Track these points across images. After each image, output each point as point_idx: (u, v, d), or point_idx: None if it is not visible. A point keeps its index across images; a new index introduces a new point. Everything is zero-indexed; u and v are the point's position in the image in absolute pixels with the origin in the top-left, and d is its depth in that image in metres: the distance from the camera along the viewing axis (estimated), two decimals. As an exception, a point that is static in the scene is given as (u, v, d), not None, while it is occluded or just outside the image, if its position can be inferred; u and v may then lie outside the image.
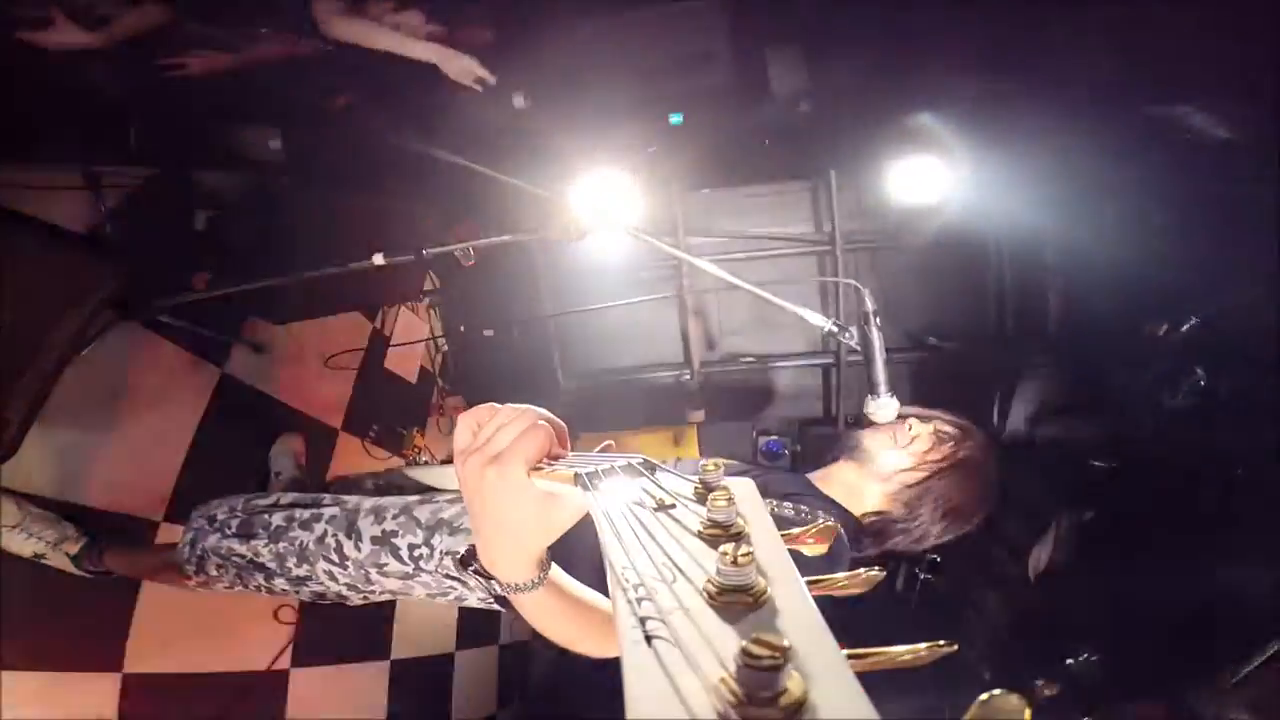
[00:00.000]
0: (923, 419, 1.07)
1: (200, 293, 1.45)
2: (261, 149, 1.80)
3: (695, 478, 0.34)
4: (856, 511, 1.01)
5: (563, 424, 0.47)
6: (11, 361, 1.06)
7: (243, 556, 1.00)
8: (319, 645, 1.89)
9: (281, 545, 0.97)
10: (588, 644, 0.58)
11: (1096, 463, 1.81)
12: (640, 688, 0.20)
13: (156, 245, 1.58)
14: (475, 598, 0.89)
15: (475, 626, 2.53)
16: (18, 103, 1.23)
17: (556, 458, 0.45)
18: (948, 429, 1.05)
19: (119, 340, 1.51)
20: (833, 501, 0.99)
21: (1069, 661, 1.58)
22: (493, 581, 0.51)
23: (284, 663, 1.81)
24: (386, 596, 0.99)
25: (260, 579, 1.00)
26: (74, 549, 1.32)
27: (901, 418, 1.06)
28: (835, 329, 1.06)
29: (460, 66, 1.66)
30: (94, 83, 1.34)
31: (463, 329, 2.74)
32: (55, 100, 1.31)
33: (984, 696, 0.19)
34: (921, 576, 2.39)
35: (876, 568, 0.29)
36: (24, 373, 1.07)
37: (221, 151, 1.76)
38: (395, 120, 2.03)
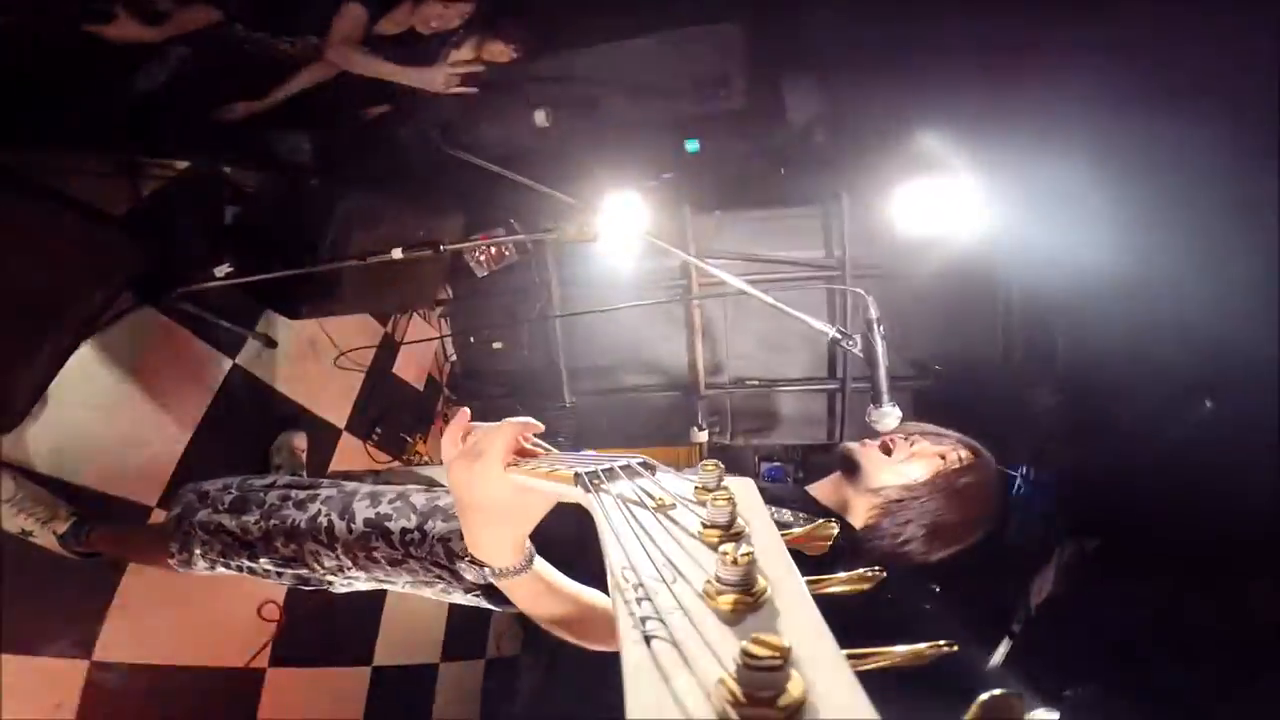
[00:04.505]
0: (934, 439, 1.03)
1: (221, 280, 1.48)
2: (293, 150, 1.86)
3: (695, 478, 0.34)
4: (855, 524, 0.98)
5: (536, 424, 0.54)
6: (30, 332, 1.07)
7: (231, 533, 0.99)
8: (300, 646, 1.86)
9: (272, 523, 0.96)
10: (584, 630, 0.61)
11: (1098, 491, 1.79)
12: (640, 688, 0.20)
13: (184, 235, 1.62)
14: (460, 592, 0.88)
15: (462, 639, 2.49)
16: (66, 89, 1.28)
17: (527, 454, 0.52)
18: (957, 452, 1.01)
19: (135, 323, 1.53)
20: (830, 513, 0.97)
21: (1067, 693, 1.53)
22: (485, 569, 0.56)
23: (262, 661, 1.77)
24: (371, 585, 0.98)
25: (244, 558, 0.98)
26: (62, 528, 1.30)
27: (908, 435, 1.04)
28: (839, 335, 1.05)
29: (442, 78, 1.77)
30: (143, 75, 1.39)
31: (472, 340, 2.76)
32: (103, 89, 1.36)
33: (984, 696, 0.19)
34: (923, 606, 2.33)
35: (877, 567, 0.28)
36: (41, 345, 1.09)
37: (255, 150, 1.82)
38: (423, 129, 2.09)
